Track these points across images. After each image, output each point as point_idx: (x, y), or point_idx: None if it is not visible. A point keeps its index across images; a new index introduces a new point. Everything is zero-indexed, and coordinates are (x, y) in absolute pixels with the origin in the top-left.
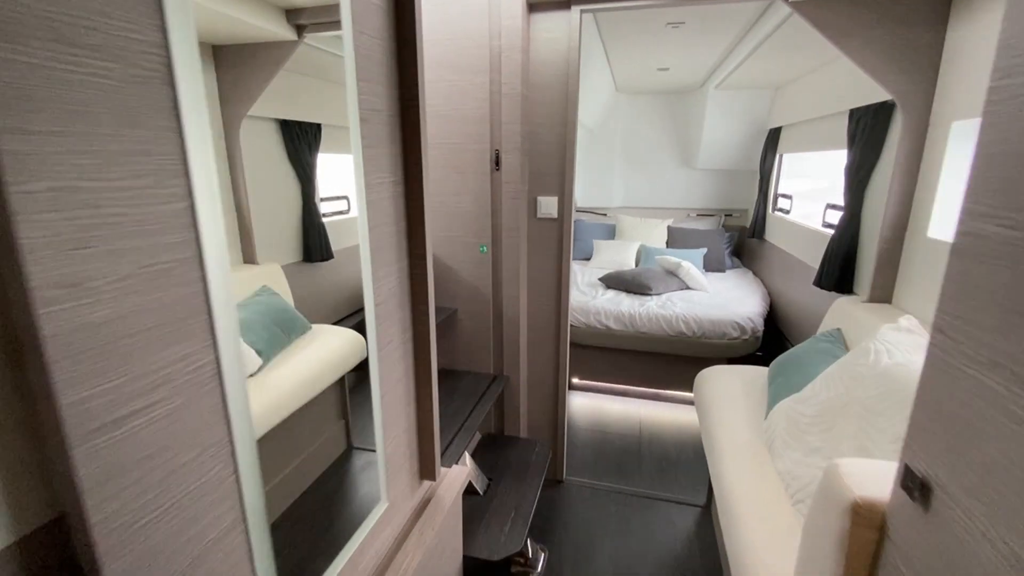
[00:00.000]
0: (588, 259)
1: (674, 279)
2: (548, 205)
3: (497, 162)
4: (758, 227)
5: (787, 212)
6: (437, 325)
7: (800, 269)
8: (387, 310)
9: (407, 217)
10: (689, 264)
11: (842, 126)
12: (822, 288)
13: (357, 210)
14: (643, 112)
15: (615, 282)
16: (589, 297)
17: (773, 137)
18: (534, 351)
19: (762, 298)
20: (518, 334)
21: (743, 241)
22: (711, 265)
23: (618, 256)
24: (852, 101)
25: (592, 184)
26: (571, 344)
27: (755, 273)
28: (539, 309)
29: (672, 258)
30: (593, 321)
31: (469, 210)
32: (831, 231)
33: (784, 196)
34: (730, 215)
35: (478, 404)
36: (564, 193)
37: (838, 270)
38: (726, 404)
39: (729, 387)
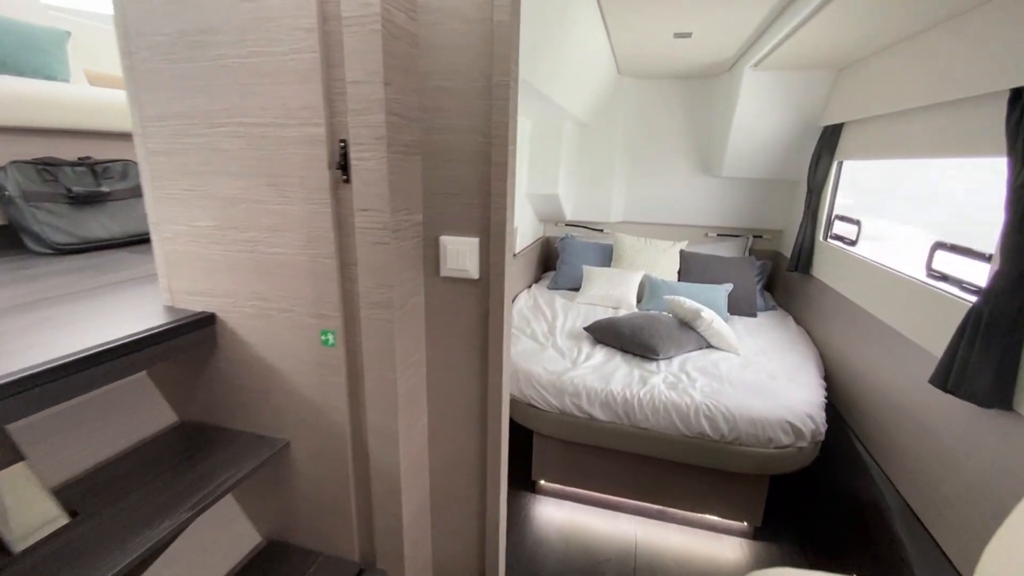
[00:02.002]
0: (577, 289)
1: (690, 334)
2: (460, 254)
3: (343, 167)
4: (803, 257)
5: (851, 243)
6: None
7: (877, 330)
8: None
9: None
10: (712, 315)
11: (982, 118)
12: (953, 393)
13: None
14: (653, 102)
15: (607, 336)
16: (567, 360)
17: (830, 138)
18: (444, 509)
19: (817, 366)
20: (399, 490)
21: (778, 272)
22: (738, 306)
23: (615, 290)
24: (1018, 74)
25: (585, 192)
26: (537, 434)
27: (796, 318)
28: (453, 430)
29: (688, 303)
30: (569, 405)
31: (295, 261)
32: (943, 287)
33: (846, 220)
34: (759, 236)
35: None
36: (493, 230)
37: (990, 368)
38: None
39: None
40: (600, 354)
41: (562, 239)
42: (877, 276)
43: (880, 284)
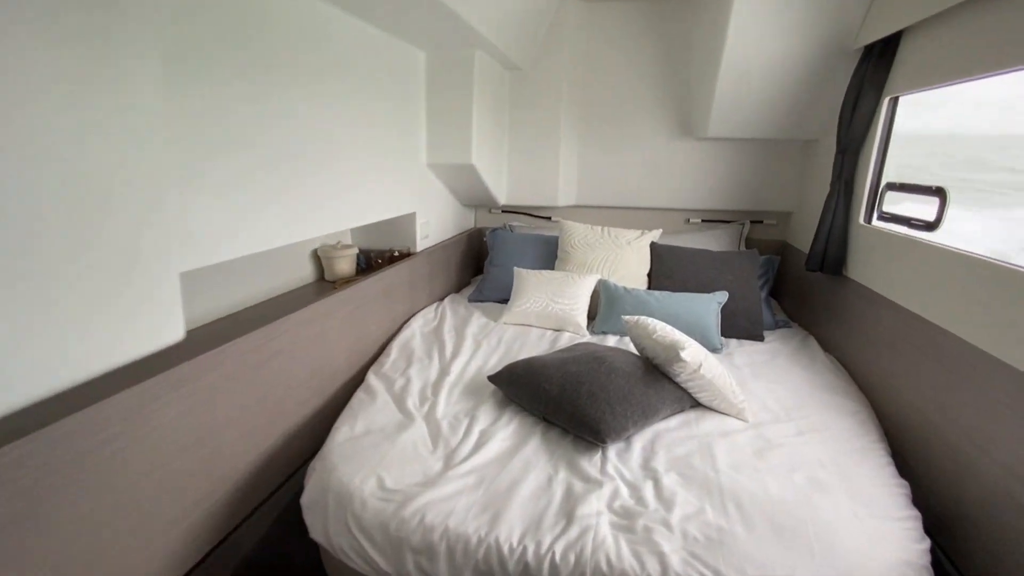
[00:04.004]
0: (506, 301)
1: (664, 388)
2: None
3: None
4: (831, 251)
5: (926, 227)
6: None
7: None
8: None
9: None
10: (699, 354)
11: None
12: None
13: None
14: (611, 35)
15: (522, 395)
16: (438, 455)
17: (875, 63)
18: None
19: (882, 443)
20: None
21: (788, 272)
22: (736, 324)
23: (556, 303)
24: None
25: (523, 167)
26: None
27: (822, 341)
28: None
29: (661, 330)
30: (413, 572)
31: None
32: None
33: (913, 190)
34: (759, 221)
35: None
36: None
37: None
38: None
39: None
40: (506, 432)
41: (492, 231)
42: (989, 281)
43: (1002, 298)
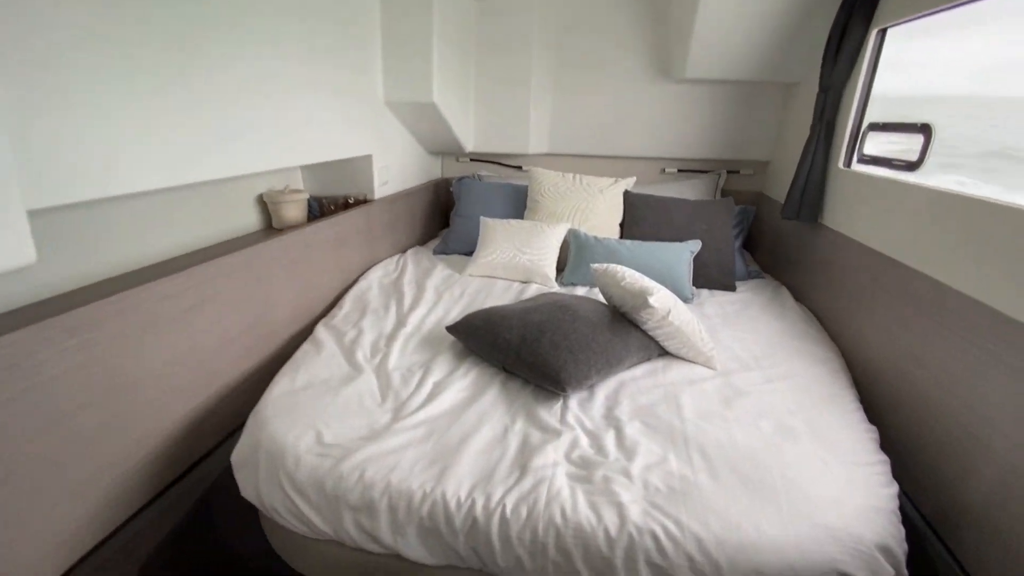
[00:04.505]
0: (472, 253)
1: (631, 336)
2: None
3: None
4: (808, 198)
5: (908, 167)
6: None
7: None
8: None
9: None
10: (668, 300)
11: None
12: None
13: None
14: None
15: (481, 345)
16: (387, 406)
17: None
18: None
19: (851, 390)
20: None
21: (762, 223)
22: (708, 275)
23: (524, 254)
24: None
25: (491, 111)
26: None
27: (795, 291)
28: None
29: (630, 277)
30: (352, 530)
31: None
32: None
33: (896, 129)
34: (735, 171)
35: None
36: None
37: None
38: None
39: None
40: (462, 383)
41: (459, 180)
42: (978, 219)
43: (992, 237)
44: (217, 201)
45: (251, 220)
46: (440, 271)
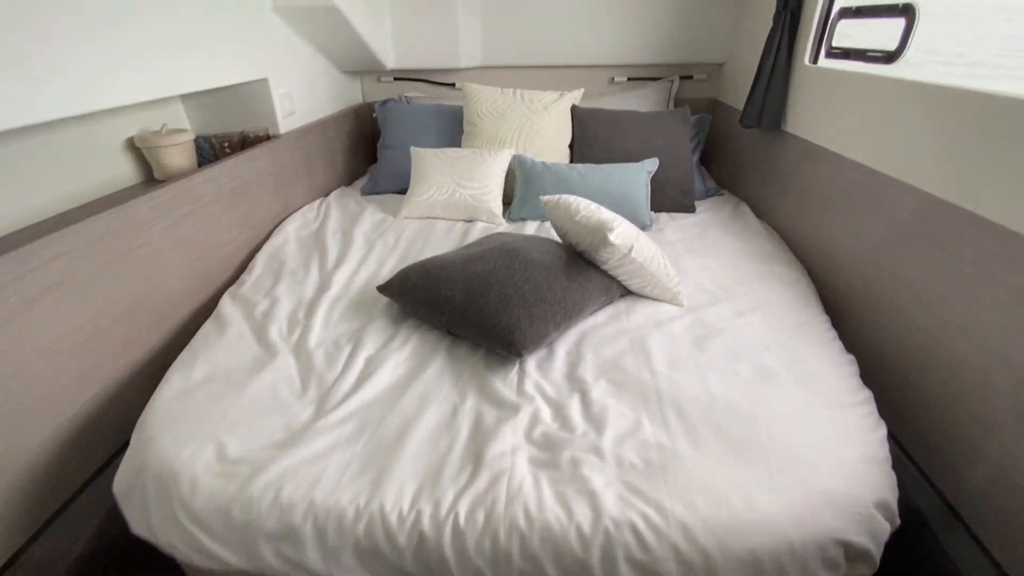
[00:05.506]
0: (405, 191)
1: (591, 279)
2: None
3: None
4: (770, 102)
5: (885, 58)
6: None
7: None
8: None
9: None
10: (629, 233)
11: None
12: None
13: None
14: None
15: (420, 307)
16: (309, 398)
17: None
18: None
19: (822, 316)
20: None
21: (718, 132)
22: (667, 196)
23: (464, 187)
24: None
25: (414, 18)
26: None
27: (755, 207)
28: None
29: (585, 209)
30: (271, 560)
31: None
32: None
33: (873, 13)
34: (688, 77)
35: None
36: None
37: None
38: None
39: None
40: (400, 355)
41: (382, 104)
42: (970, 112)
43: (981, 133)
44: (70, 151)
45: (122, 171)
46: (370, 215)
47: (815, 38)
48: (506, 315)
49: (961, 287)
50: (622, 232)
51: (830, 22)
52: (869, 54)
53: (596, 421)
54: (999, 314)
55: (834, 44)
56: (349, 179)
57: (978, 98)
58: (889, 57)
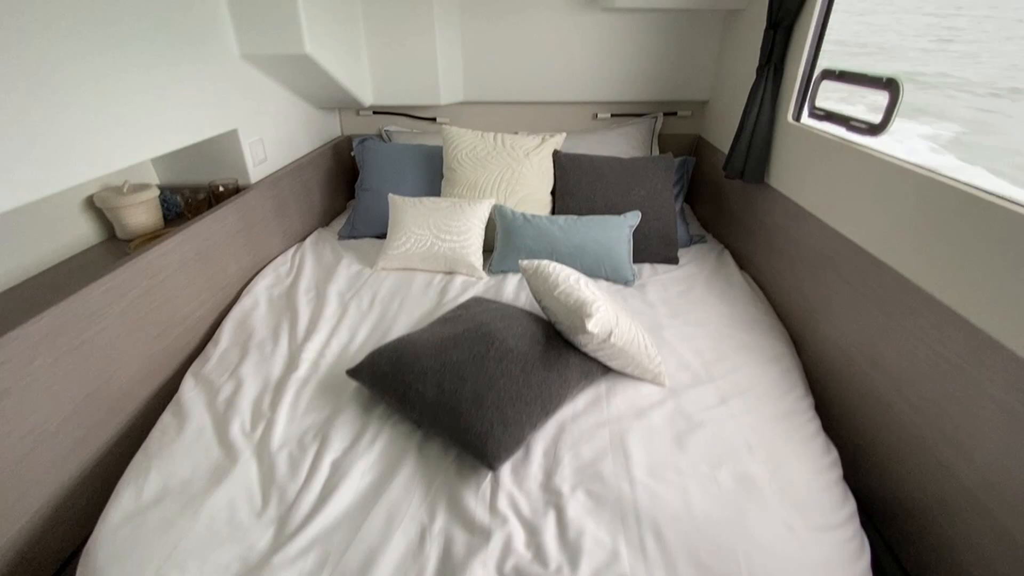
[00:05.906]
0: (384, 236)
1: (569, 362)
2: None
3: None
4: (753, 154)
5: (876, 129)
6: None
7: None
8: None
9: None
10: (605, 314)
11: None
12: None
13: None
14: None
15: (392, 397)
16: (267, 518)
17: None
18: None
19: (807, 398)
20: None
21: (701, 172)
22: (649, 247)
23: (443, 239)
24: None
25: (391, 57)
26: None
27: (737, 255)
28: None
29: (562, 281)
30: None
31: None
32: None
33: (856, 80)
34: (672, 113)
35: None
36: None
37: None
38: None
39: None
40: (368, 458)
41: (360, 142)
42: (950, 212)
43: (965, 234)
44: (25, 215)
45: (82, 232)
46: (346, 266)
47: (798, 95)
48: (479, 420)
49: (942, 386)
50: (600, 319)
51: (812, 81)
52: (852, 123)
53: (571, 550)
54: (983, 425)
55: (817, 104)
56: (327, 218)
57: (959, 195)
58: (872, 129)
